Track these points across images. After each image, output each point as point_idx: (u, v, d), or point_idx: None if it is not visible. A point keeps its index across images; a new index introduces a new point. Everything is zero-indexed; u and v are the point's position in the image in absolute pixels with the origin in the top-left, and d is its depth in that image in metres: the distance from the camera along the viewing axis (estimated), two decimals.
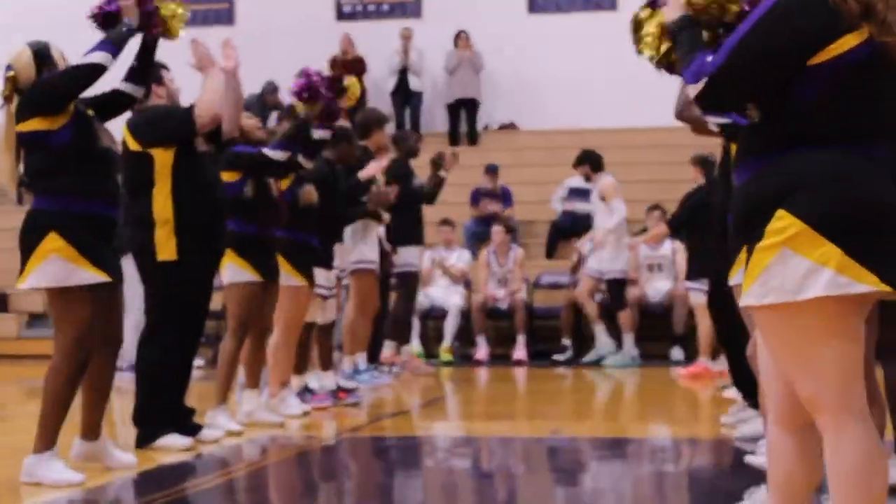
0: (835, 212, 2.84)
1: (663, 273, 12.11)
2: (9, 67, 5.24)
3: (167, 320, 5.97)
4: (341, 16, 17.34)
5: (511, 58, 16.48)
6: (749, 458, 5.36)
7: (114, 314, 5.46)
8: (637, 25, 3.41)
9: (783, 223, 2.86)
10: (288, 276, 7.30)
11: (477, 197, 14.23)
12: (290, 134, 7.03)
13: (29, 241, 5.11)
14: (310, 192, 7.55)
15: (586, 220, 12.84)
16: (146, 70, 5.82)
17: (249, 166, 6.91)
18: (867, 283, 2.83)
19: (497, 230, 12.81)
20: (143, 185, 5.94)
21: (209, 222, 6.13)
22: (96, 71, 5.30)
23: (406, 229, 9.99)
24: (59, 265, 5.06)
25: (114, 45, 5.38)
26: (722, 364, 9.91)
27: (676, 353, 11.93)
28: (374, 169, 8.80)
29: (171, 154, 5.94)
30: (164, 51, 5.88)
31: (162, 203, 5.92)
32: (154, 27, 5.64)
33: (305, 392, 7.96)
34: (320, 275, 7.82)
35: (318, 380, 8.21)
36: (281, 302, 7.25)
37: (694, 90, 2.96)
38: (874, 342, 3.68)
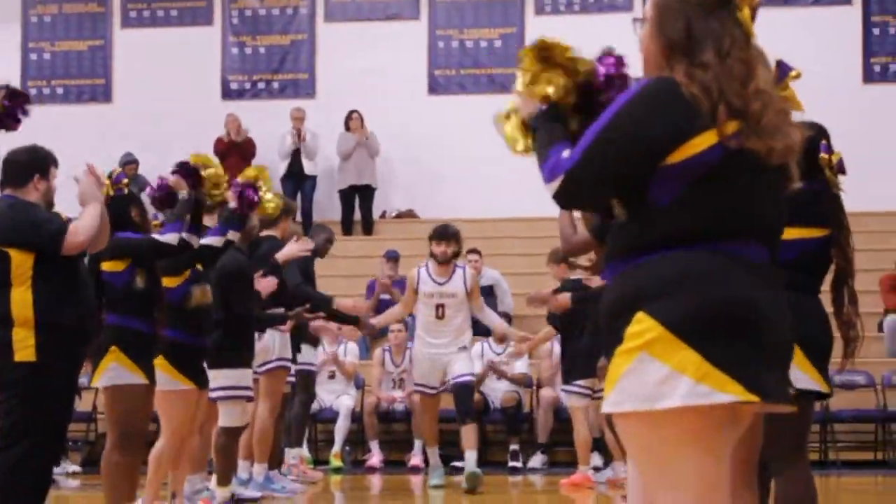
0: (693, 314, 2.84)
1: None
2: None
3: (25, 425, 5.89)
4: (227, 94, 17.67)
5: (409, 141, 16.82)
6: None
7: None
8: (500, 126, 3.41)
9: (641, 326, 2.87)
10: (170, 380, 7.31)
11: (373, 289, 14.32)
12: (179, 213, 7.20)
13: None
14: (205, 292, 7.67)
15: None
16: None
17: (138, 254, 6.99)
18: (730, 393, 2.81)
19: (396, 329, 12.82)
20: (1, 282, 5.90)
21: (74, 322, 6.10)
22: None
23: (304, 326, 10.11)
24: None
25: None
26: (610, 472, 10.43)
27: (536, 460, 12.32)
28: (297, 250, 9.01)
29: (31, 257, 5.90)
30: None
31: (20, 302, 5.87)
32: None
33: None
34: (237, 375, 8.12)
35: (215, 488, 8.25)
36: (164, 409, 7.32)
37: (550, 189, 3.01)
38: (757, 452, 3.81)
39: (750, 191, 2.94)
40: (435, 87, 17.47)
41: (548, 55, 3.21)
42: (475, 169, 16.19)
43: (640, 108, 2.93)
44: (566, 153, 3.00)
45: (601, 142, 2.94)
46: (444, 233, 10.19)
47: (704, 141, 2.89)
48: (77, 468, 12.14)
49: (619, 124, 2.93)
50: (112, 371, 6.83)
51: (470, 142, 15.86)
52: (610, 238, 3.06)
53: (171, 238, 7.04)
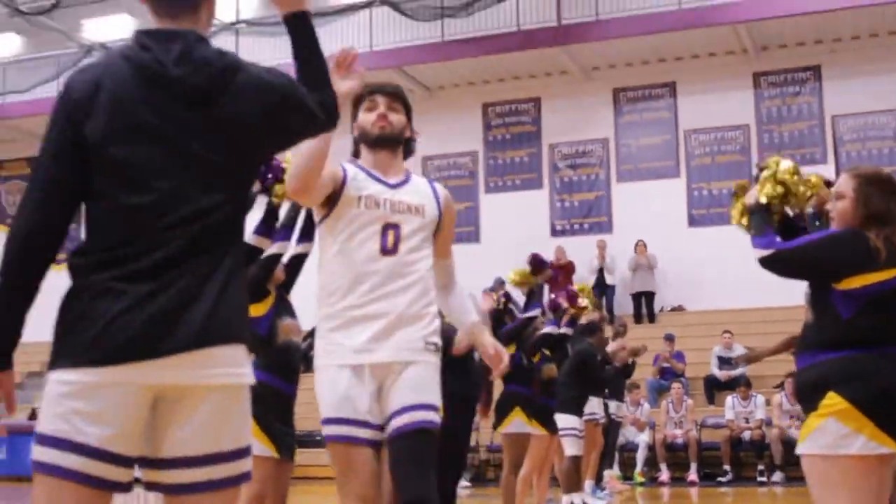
0: (870, 395, 3.68)
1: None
2: None
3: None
4: (554, 232, 20.52)
5: (677, 258, 19.27)
6: None
7: (278, 494, 5.81)
8: (736, 197, 4.33)
9: (832, 401, 3.72)
10: (526, 426, 8.25)
11: (657, 361, 17.37)
12: (531, 298, 8.02)
13: None
14: (550, 370, 8.52)
15: (734, 380, 16.04)
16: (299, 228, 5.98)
17: (541, 345, 7.87)
18: (890, 447, 3.69)
19: (676, 387, 15.78)
20: None
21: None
22: (275, 261, 5.63)
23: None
24: None
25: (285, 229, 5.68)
26: None
27: None
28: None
29: None
30: None
31: None
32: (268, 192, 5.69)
33: None
34: (575, 419, 9.44)
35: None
36: (530, 449, 8.37)
37: (759, 253, 3.92)
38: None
39: None
40: (693, 222, 19.73)
41: (786, 180, 4.25)
42: (724, 275, 18.12)
43: (839, 241, 3.90)
44: (779, 240, 4.01)
45: (809, 247, 3.93)
46: (382, 86, 4.56)
47: (881, 276, 3.80)
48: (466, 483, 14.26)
49: (825, 244, 3.91)
50: (516, 424, 7.80)
51: (720, 255, 17.99)
52: (803, 334, 3.94)
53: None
